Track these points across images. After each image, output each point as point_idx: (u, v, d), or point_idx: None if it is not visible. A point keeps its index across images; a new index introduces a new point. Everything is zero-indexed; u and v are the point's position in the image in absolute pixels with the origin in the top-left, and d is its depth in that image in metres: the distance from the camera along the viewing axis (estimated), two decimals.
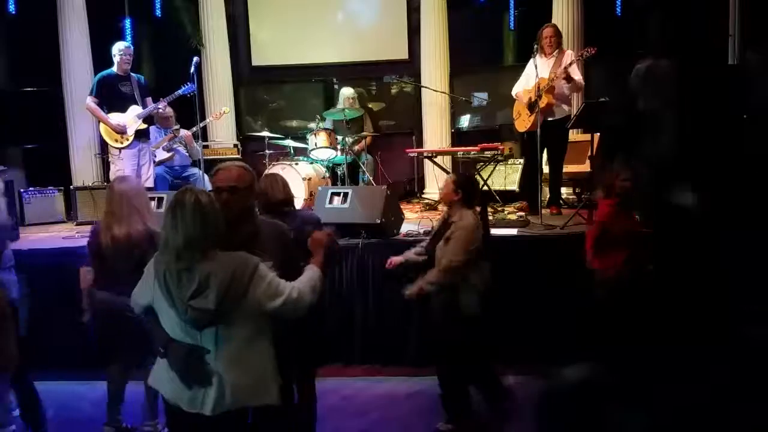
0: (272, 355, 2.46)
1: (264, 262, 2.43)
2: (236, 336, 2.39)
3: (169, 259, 2.37)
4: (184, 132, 6.35)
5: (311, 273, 2.56)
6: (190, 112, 6.05)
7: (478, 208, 3.77)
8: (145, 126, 5.85)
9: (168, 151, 6.33)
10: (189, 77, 5.84)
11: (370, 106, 7.90)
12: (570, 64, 5.37)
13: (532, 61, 5.26)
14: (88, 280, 3.72)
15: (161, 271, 2.38)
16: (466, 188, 3.73)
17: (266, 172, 6.29)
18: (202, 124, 6.03)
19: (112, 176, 5.93)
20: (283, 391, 2.54)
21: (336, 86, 7.81)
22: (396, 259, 3.95)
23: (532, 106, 5.51)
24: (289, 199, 3.53)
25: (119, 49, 5.76)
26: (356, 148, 6.92)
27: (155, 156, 6.28)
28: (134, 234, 3.51)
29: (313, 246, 2.68)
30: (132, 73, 5.87)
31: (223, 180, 2.68)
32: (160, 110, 6.01)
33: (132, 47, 5.87)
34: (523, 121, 5.73)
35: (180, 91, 5.87)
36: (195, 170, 6.39)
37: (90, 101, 5.73)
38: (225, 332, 2.38)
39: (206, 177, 5.81)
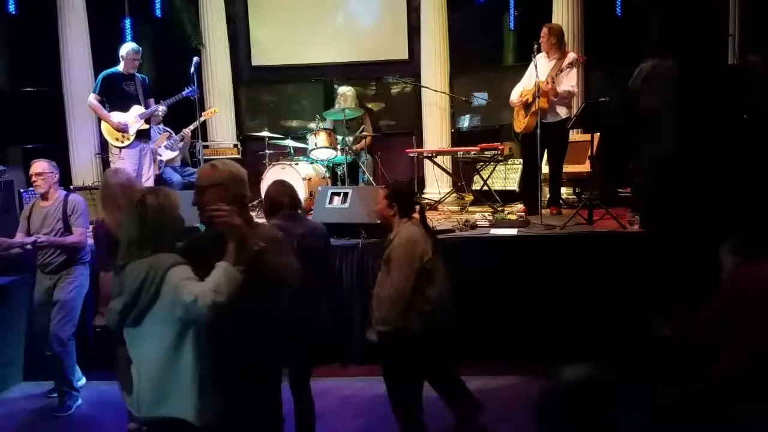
0: (199, 366, 2.29)
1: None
2: (154, 343, 2.29)
3: (118, 256, 2.40)
4: (185, 131, 6.39)
5: (216, 270, 2.24)
6: (190, 112, 6.05)
7: (416, 216, 3.43)
8: (147, 126, 5.84)
9: (172, 150, 6.36)
10: (189, 77, 5.82)
11: (369, 106, 7.90)
12: (556, 74, 5.37)
13: (533, 61, 5.26)
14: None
15: None
16: (400, 199, 3.40)
17: (265, 173, 6.32)
18: (192, 126, 6.21)
19: None
20: (234, 407, 2.38)
21: (336, 86, 7.81)
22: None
23: (528, 107, 5.53)
24: (295, 203, 3.52)
25: (128, 51, 5.72)
26: (355, 147, 6.92)
27: (161, 155, 6.29)
28: None
29: (225, 232, 2.28)
30: (136, 73, 5.86)
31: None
32: (162, 111, 6.02)
33: (141, 50, 5.85)
34: (519, 122, 5.73)
35: (183, 94, 5.88)
36: (193, 170, 6.41)
37: (92, 99, 5.72)
38: (141, 337, 2.32)
39: None
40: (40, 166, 4.34)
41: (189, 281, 2.24)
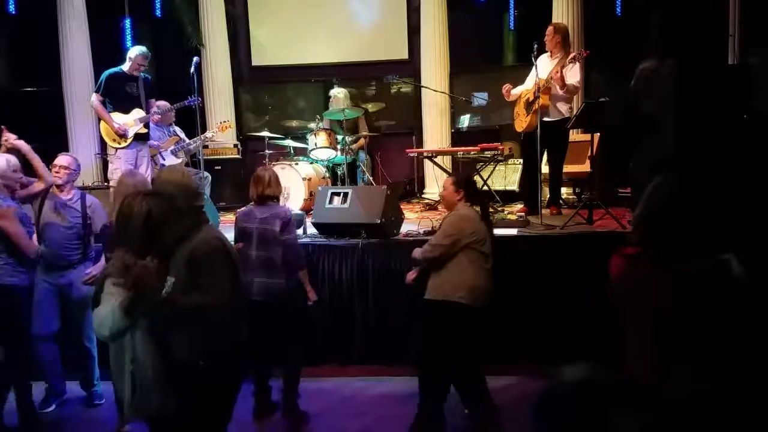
0: (153, 365, 2.36)
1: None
2: (120, 343, 2.38)
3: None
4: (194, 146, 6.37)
5: (106, 306, 2.29)
6: (191, 112, 6.04)
7: (477, 208, 3.79)
8: (145, 131, 5.81)
9: (176, 157, 6.32)
10: (189, 77, 5.82)
11: (369, 106, 7.89)
12: (563, 66, 5.37)
13: (535, 63, 5.25)
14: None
15: None
16: (467, 187, 3.79)
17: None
18: (208, 134, 6.28)
19: (109, 175, 5.91)
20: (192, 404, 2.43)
21: (335, 86, 7.80)
22: (412, 275, 3.95)
23: (529, 105, 5.52)
24: (269, 191, 3.94)
25: (136, 54, 5.64)
26: (354, 147, 6.92)
27: (164, 159, 6.25)
28: None
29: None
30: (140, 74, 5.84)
31: None
32: (160, 116, 5.99)
33: (150, 56, 5.81)
34: (520, 122, 5.73)
35: (185, 102, 5.86)
36: (193, 171, 6.40)
37: (95, 99, 5.69)
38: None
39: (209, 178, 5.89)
40: (66, 159, 4.41)
41: (109, 298, 2.28)
